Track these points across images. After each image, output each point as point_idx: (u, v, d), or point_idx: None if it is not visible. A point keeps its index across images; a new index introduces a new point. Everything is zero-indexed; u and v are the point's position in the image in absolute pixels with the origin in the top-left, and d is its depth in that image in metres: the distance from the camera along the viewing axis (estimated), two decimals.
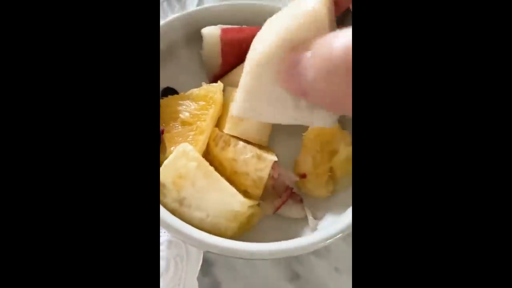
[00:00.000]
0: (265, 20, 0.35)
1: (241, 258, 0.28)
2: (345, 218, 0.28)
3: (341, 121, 0.34)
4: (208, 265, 0.32)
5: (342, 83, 0.17)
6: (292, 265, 0.33)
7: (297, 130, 0.33)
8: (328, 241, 0.27)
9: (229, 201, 0.29)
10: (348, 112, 0.17)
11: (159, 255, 0.31)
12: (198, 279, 0.30)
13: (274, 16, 0.23)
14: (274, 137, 0.35)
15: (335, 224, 0.28)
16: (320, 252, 0.33)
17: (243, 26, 0.36)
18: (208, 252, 0.28)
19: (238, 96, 0.21)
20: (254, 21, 0.35)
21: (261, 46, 0.20)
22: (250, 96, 0.20)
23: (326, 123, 0.20)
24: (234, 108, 0.22)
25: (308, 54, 0.18)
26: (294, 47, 0.19)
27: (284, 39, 0.19)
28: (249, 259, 0.27)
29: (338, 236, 0.27)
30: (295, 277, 0.33)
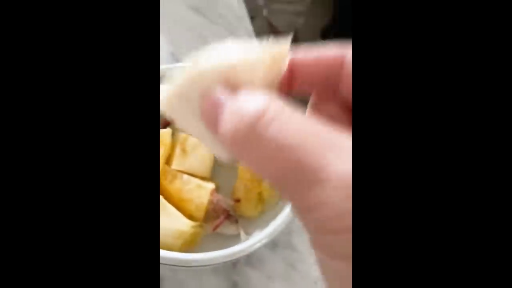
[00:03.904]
0: None
1: (189, 266, 0.34)
2: (267, 230, 0.36)
3: None
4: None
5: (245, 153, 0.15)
6: (231, 276, 0.39)
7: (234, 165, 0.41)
8: (253, 247, 0.34)
9: (175, 222, 0.36)
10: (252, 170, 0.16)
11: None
12: None
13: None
14: (216, 171, 0.43)
15: (259, 235, 0.36)
16: (254, 263, 0.40)
17: None
18: (160, 264, 0.34)
19: (170, 89, 0.20)
20: None
21: (203, 61, 0.19)
22: (178, 93, 0.20)
23: (223, 155, 0.20)
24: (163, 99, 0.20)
25: (228, 105, 0.17)
26: (226, 81, 0.18)
27: (220, 68, 0.19)
28: (195, 267, 0.34)
29: (261, 243, 0.35)
30: (234, 286, 0.39)
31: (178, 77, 0.19)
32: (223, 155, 0.20)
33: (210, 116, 0.17)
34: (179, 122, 0.20)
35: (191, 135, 0.21)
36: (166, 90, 0.20)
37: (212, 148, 0.20)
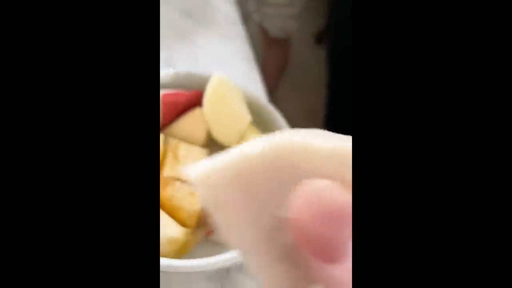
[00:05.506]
0: (196, 85, 0.45)
1: (182, 272, 0.34)
2: None
3: None
4: None
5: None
6: (224, 283, 0.39)
7: None
8: None
9: (168, 229, 0.36)
10: None
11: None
12: None
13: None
14: None
15: None
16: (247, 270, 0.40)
17: (179, 90, 0.45)
18: None
19: (212, 161, 0.13)
20: (188, 86, 0.45)
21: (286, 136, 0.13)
22: (228, 169, 0.12)
23: None
24: (196, 169, 0.13)
25: None
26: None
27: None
28: (187, 272, 0.34)
29: None
30: None
31: (240, 150, 0.12)
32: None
33: (327, 235, 0.10)
34: (223, 220, 0.13)
35: (234, 247, 0.14)
36: (215, 163, 0.12)
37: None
